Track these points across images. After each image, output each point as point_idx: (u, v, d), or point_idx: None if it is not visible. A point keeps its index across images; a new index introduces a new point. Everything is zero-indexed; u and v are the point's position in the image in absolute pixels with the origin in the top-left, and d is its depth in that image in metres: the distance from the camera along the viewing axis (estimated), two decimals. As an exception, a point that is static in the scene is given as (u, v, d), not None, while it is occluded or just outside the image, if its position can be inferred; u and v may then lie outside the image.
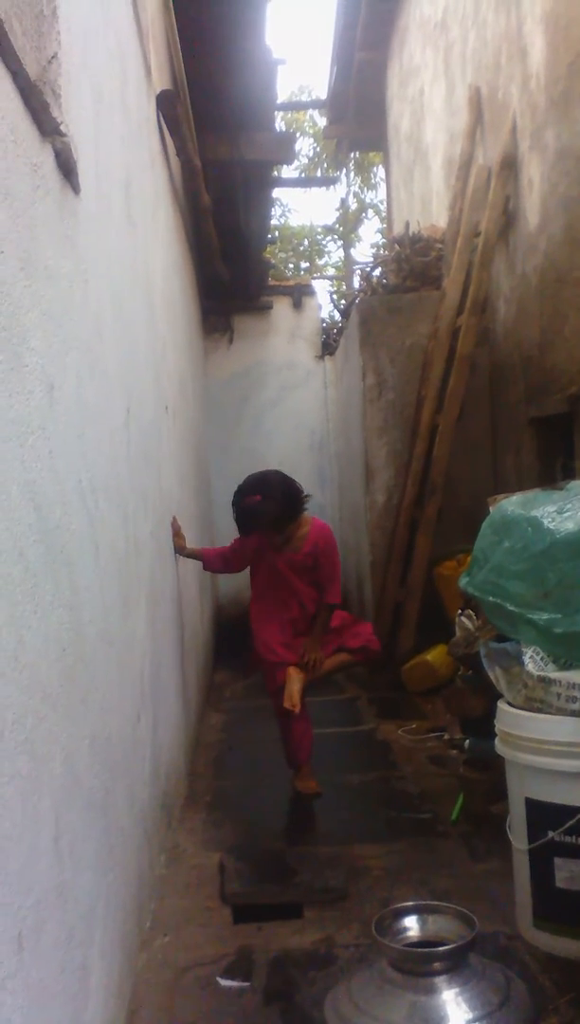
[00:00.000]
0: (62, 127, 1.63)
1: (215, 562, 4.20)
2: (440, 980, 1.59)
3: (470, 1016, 1.56)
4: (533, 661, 2.43)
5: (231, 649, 7.18)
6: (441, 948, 1.62)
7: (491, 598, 2.62)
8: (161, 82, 3.89)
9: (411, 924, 1.75)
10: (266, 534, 3.89)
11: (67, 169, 1.76)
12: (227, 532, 7.69)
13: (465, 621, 3.61)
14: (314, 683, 4.02)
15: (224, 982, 2.40)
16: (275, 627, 3.99)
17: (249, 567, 4.14)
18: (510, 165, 5.33)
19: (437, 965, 1.60)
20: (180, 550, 4.04)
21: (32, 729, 1.44)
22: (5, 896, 1.29)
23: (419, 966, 1.62)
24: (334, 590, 4.01)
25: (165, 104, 3.94)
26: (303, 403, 8.70)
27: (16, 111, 1.44)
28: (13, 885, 1.33)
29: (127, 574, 2.54)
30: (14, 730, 1.35)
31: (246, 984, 2.38)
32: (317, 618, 4.01)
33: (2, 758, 1.30)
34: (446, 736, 4.46)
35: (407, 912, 1.77)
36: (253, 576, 4.12)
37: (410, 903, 1.84)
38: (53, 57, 1.60)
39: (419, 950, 1.65)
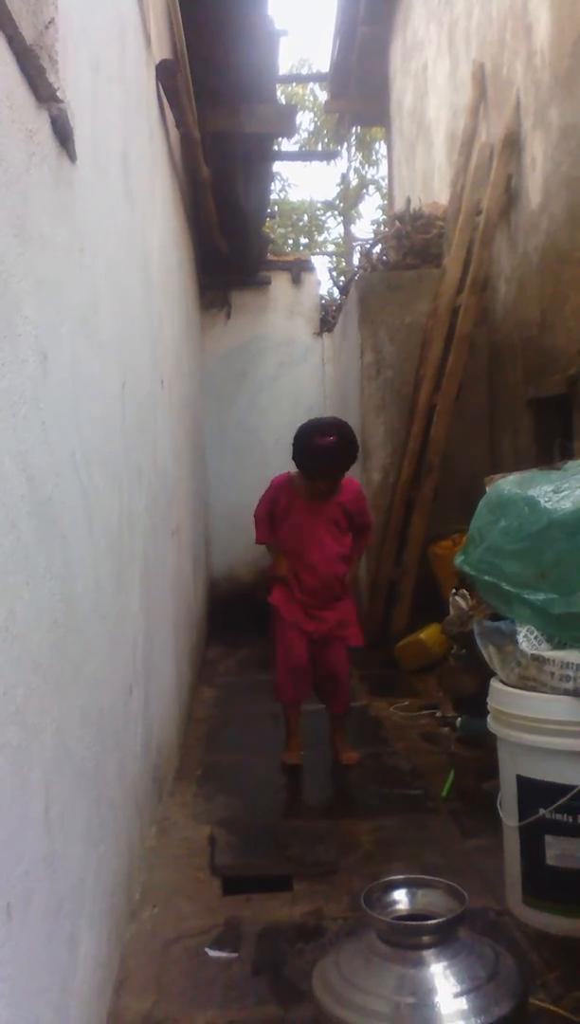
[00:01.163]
0: (58, 93, 1.61)
1: (267, 533, 4.05)
2: (429, 953, 1.60)
3: (458, 989, 1.57)
4: (527, 640, 2.44)
5: (225, 624, 7.21)
6: (430, 921, 1.63)
7: (487, 577, 2.62)
8: (161, 52, 3.84)
9: (400, 897, 1.75)
10: (328, 479, 3.81)
11: (63, 136, 1.74)
12: (223, 508, 7.75)
13: (459, 600, 3.62)
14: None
15: (212, 953, 2.42)
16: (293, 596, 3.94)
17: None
18: (513, 143, 5.28)
19: (426, 938, 1.61)
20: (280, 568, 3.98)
21: (23, 700, 1.44)
22: (-7, 865, 1.30)
23: (408, 939, 1.62)
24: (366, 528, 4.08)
25: (165, 74, 3.90)
26: (301, 380, 8.67)
27: (11, 76, 1.42)
28: (2, 855, 1.33)
29: (120, 548, 2.54)
30: (5, 701, 1.35)
31: (234, 955, 2.40)
32: (356, 548, 4.05)
33: (-8, 729, 1.29)
34: (438, 714, 4.48)
35: (396, 885, 1.78)
36: (277, 535, 4.01)
37: (400, 876, 1.85)
38: (50, 22, 1.58)
39: (408, 923, 1.66)
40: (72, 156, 1.84)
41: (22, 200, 1.47)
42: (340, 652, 3.99)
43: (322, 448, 3.75)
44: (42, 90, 1.56)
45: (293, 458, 3.89)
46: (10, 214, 1.40)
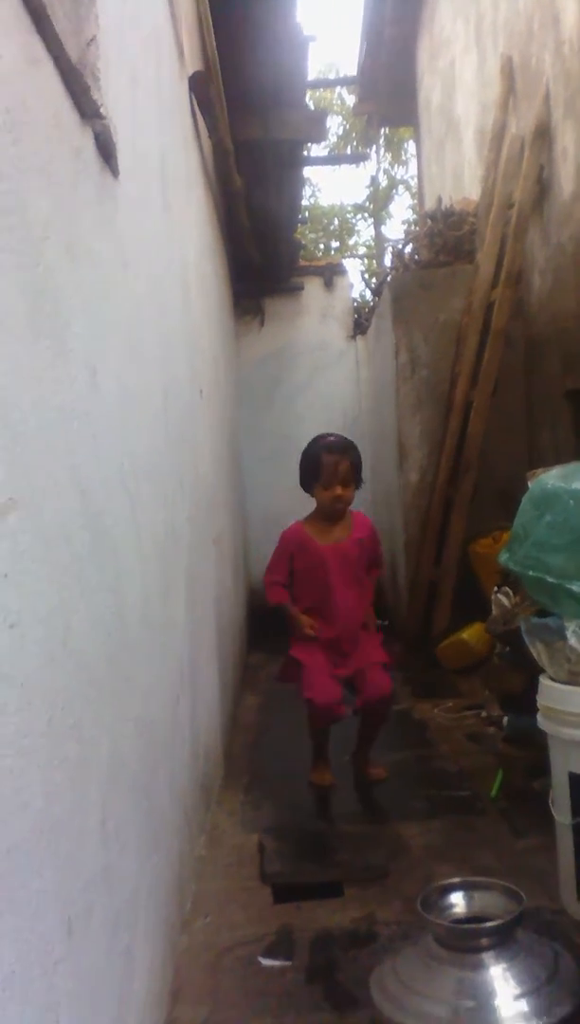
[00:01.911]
0: (101, 110, 1.63)
1: (283, 593, 3.91)
2: (487, 956, 1.59)
3: (518, 991, 1.56)
4: (576, 635, 2.42)
5: (265, 630, 7.21)
6: (489, 924, 1.62)
7: (532, 572, 2.60)
8: (193, 63, 3.86)
9: (457, 900, 1.75)
10: (342, 477, 3.76)
11: (106, 152, 1.76)
12: (259, 515, 7.75)
13: (502, 598, 3.60)
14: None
15: (265, 961, 2.41)
16: (316, 648, 3.80)
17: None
18: (543, 134, 5.24)
19: (484, 941, 1.61)
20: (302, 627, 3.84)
21: (80, 714, 1.46)
22: (56, 881, 1.31)
23: (466, 942, 1.62)
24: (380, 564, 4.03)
25: (197, 85, 3.92)
26: (335, 383, 8.66)
27: (58, 95, 1.43)
28: (64, 869, 1.35)
29: (166, 558, 2.55)
30: (63, 715, 1.36)
31: (288, 963, 2.39)
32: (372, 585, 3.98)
33: (52, 743, 1.31)
34: (483, 713, 4.45)
35: (452, 888, 1.77)
36: (295, 588, 3.90)
37: (455, 879, 1.84)
38: (92, 40, 1.60)
39: (466, 926, 1.65)
40: (115, 171, 1.86)
41: (70, 217, 1.49)
42: (379, 674, 3.78)
43: (327, 444, 3.79)
44: (86, 107, 1.58)
45: (302, 483, 3.86)
46: (61, 232, 1.41)
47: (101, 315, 1.72)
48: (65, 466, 1.41)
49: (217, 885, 2.91)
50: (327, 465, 3.75)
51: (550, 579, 2.50)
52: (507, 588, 3.68)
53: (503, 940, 1.63)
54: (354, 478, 3.80)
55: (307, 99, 7.45)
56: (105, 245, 1.77)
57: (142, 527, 2.12)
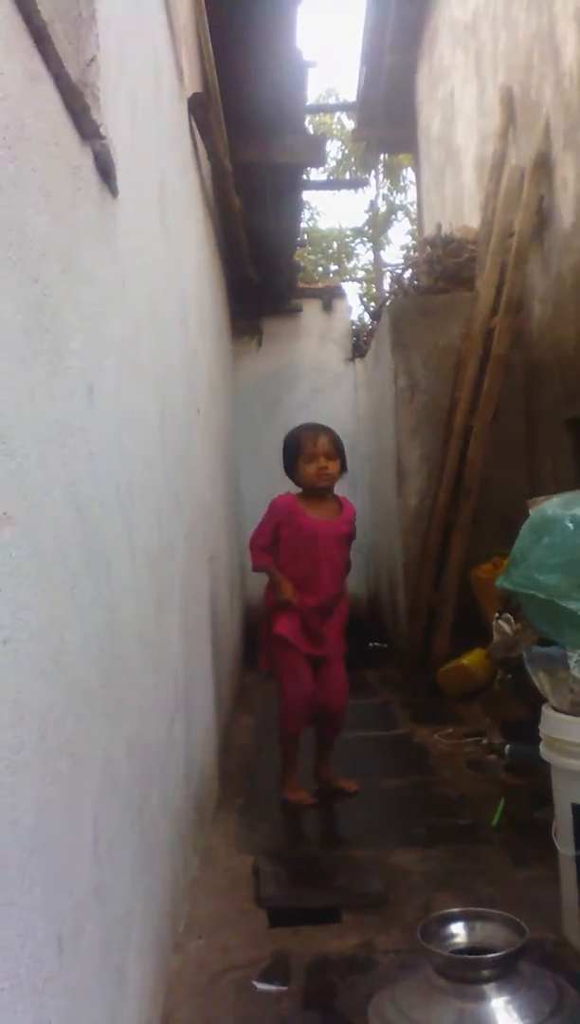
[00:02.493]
0: (101, 129, 1.64)
1: (267, 557, 3.95)
2: (489, 988, 1.57)
3: (522, 1025, 1.54)
4: (579, 665, 2.40)
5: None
6: (491, 955, 1.59)
7: (526, 591, 2.59)
8: (193, 85, 3.90)
9: (458, 930, 1.72)
10: (324, 449, 3.82)
11: (105, 172, 1.77)
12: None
13: (503, 625, 3.59)
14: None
15: (261, 986, 2.38)
16: (297, 622, 3.88)
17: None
18: (543, 164, 5.29)
19: (486, 972, 1.58)
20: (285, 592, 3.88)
21: (73, 730, 1.44)
22: (47, 897, 1.29)
23: (468, 973, 1.59)
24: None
25: (197, 108, 3.95)
26: (333, 406, 8.67)
27: (58, 114, 1.44)
28: (55, 886, 1.33)
29: (161, 576, 2.55)
30: (56, 731, 1.35)
31: (284, 988, 2.35)
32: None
33: (45, 759, 1.29)
34: (484, 741, 4.42)
35: (453, 918, 1.75)
36: (278, 557, 3.93)
37: (456, 909, 1.81)
38: (92, 60, 1.61)
39: (469, 956, 1.62)
40: (114, 191, 1.87)
41: (69, 236, 1.50)
42: (340, 667, 3.98)
43: (305, 424, 3.98)
44: (86, 127, 1.59)
45: (286, 468, 3.94)
46: (58, 250, 1.42)
47: (99, 333, 1.72)
48: (61, 483, 1.41)
49: (212, 907, 2.87)
50: (307, 440, 3.85)
51: (543, 596, 2.48)
52: (508, 615, 3.66)
53: (506, 972, 1.60)
54: (336, 453, 3.86)
55: (307, 123, 7.51)
56: (103, 264, 1.78)
57: (137, 545, 2.12)
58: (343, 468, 3.92)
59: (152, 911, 2.19)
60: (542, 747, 2.54)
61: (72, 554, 1.47)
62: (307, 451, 3.83)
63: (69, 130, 1.50)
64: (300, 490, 3.97)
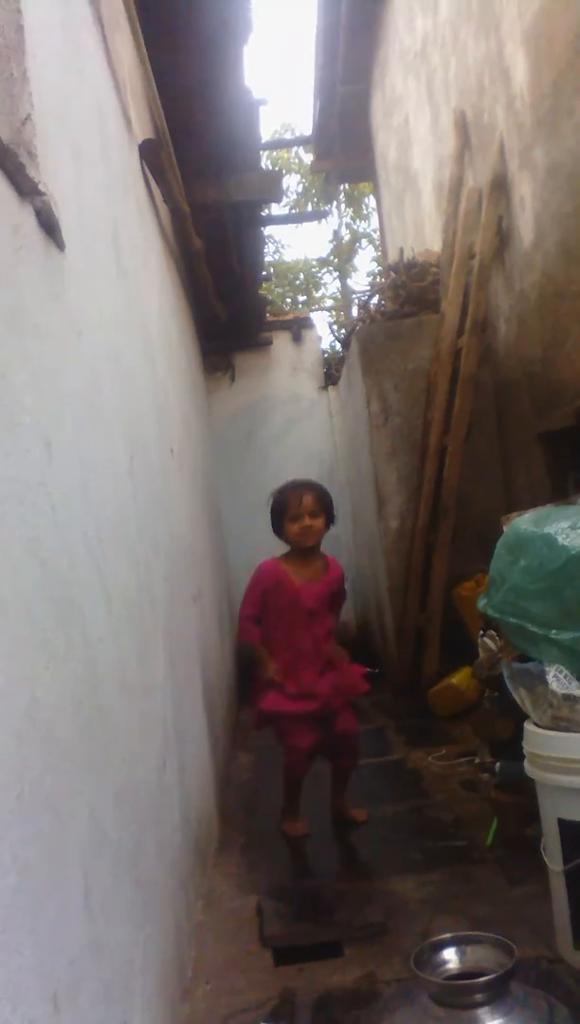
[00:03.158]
0: (40, 186, 1.65)
1: (256, 632, 3.94)
2: (483, 1012, 1.57)
3: (515, 1046, 1.53)
4: (557, 680, 2.41)
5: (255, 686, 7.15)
6: (480, 979, 1.59)
7: (512, 619, 2.60)
8: (143, 131, 3.94)
9: (450, 956, 1.72)
10: (309, 508, 3.81)
11: (49, 227, 1.78)
12: (242, 567, 7.71)
13: (488, 642, 3.58)
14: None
15: (269, 1028, 2.37)
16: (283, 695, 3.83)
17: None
18: (500, 185, 5.36)
19: (478, 996, 1.58)
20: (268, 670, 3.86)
21: (53, 786, 1.44)
22: (38, 957, 1.28)
23: (460, 999, 1.59)
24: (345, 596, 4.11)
25: (148, 153, 3.99)
26: (309, 434, 8.74)
27: (-7, 175, 1.46)
28: (45, 945, 1.32)
29: (142, 621, 2.54)
30: (34, 789, 1.34)
31: (290, 1028, 2.35)
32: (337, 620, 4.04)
33: (24, 819, 1.29)
34: (476, 760, 4.41)
35: (445, 944, 1.75)
36: (265, 622, 3.92)
37: (447, 935, 1.81)
38: (27, 118, 1.63)
39: (459, 982, 1.62)
40: (60, 245, 1.88)
41: (13, 293, 1.51)
42: (349, 718, 3.93)
43: (290, 482, 3.94)
44: (24, 185, 1.60)
45: (273, 527, 3.92)
46: (2, 308, 1.43)
47: (54, 386, 1.73)
48: (21, 538, 1.41)
49: (217, 950, 2.86)
50: (292, 498, 3.84)
51: (532, 628, 2.49)
52: (493, 632, 3.66)
53: (497, 994, 1.61)
54: (321, 510, 3.85)
55: (264, 159, 7.60)
56: (53, 317, 1.79)
57: (112, 592, 2.11)
58: (330, 522, 3.92)
59: (155, 960, 2.17)
60: (526, 764, 2.54)
61: (39, 609, 1.47)
62: (292, 511, 3.83)
63: (5, 188, 1.52)
64: (287, 549, 3.97)
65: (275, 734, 3.95)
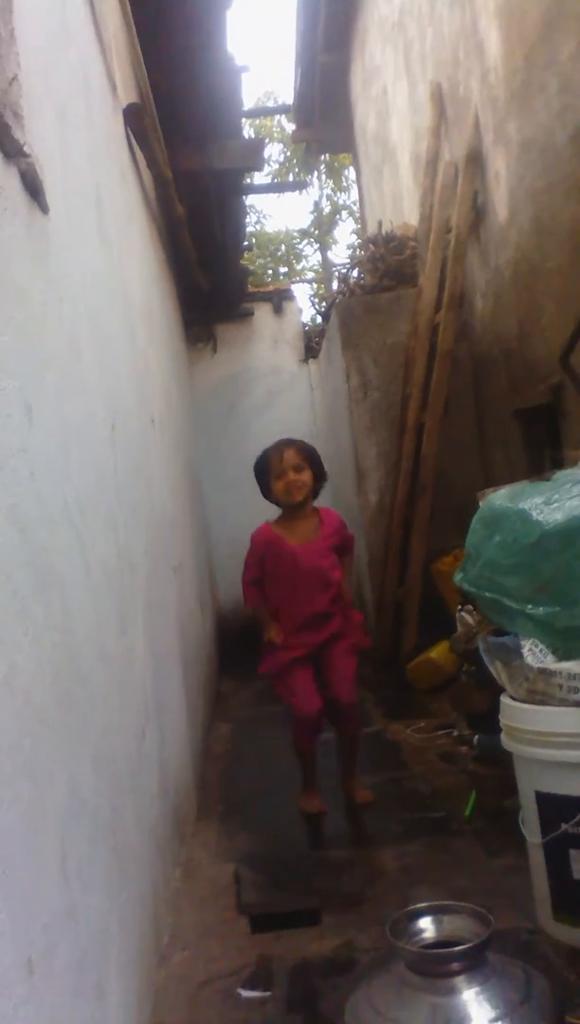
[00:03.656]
0: (25, 148, 1.62)
1: (257, 596, 3.91)
2: (459, 980, 1.58)
3: (492, 1015, 1.54)
4: (532, 653, 2.42)
5: (237, 657, 7.17)
6: (457, 948, 1.61)
7: (487, 594, 2.61)
8: (127, 96, 3.88)
9: (426, 925, 1.73)
10: (293, 463, 3.78)
11: (33, 189, 1.75)
12: (224, 539, 7.74)
13: (466, 616, 3.60)
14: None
15: (245, 993, 2.38)
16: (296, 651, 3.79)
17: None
18: (476, 159, 5.33)
19: (455, 965, 1.59)
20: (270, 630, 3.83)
21: (30, 753, 1.43)
22: (12, 922, 1.28)
23: (436, 967, 1.60)
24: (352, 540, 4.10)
25: (132, 118, 3.94)
26: (290, 407, 8.70)
27: (-24, 134, 1.43)
28: (19, 910, 1.32)
29: (121, 590, 2.53)
30: (11, 755, 1.34)
31: (268, 994, 2.36)
32: (345, 569, 3.98)
33: (1, 784, 1.28)
34: (455, 733, 4.45)
35: (421, 913, 1.76)
36: (267, 588, 3.87)
37: (423, 904, 1.83)
38: (13, 79, 1.60)
39: (435, 951, 1.64)
40: (44, 208, 1.85)
41: (-3, 256, 1.48)
42: (343, 659, 3.81)
43: (272, 444, 3.90)
44: (9, 146, 1.57)
45: (262, 492, 3.89)
46: (-16, 271, 1.41)
47: (36, 351, 1.70)
48: (1, 506, 1.40)
49: (194, 917, 2.87)
50: (273, 457, 3.82)
51: (507, 602, 2.50)
52: (471, 606, 3.68)
53: (474, 964, 1.62)
54: (305, 463, 3.82)
55: (246, 128, 7.52)
56: (37, 281, 1.76)
57: (92, 561, 2.10)
58: (320, 476, 3.88)
59: (131, 926, 2.18)
60: (503, 736, 2.56)
61: (17, 576, 1.46)
62: (274, 468, 3.79)
63: (-10, 150, 1.49)
64: (280, 512, 3.91)
65: (285, 698, 3.82)
